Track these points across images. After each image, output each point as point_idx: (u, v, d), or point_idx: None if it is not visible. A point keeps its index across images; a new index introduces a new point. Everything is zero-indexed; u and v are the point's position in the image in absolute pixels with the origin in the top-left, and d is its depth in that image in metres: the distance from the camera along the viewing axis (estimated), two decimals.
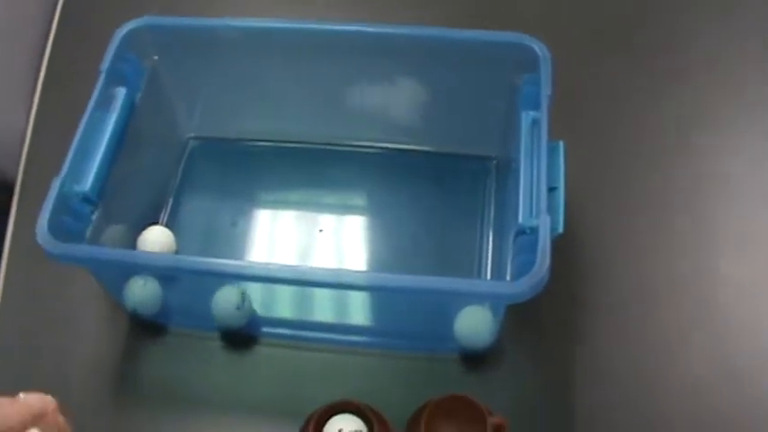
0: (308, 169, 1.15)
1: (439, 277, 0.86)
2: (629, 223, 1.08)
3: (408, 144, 1.16)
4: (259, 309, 1.01)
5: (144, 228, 1.07)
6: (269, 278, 0.91)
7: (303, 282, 0.91)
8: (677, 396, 0.95)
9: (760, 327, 0.99)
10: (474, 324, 0.95)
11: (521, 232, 0.88)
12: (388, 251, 1.09)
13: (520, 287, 0.82)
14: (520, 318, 0.99)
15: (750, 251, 1.05)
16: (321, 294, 1.02)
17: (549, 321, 1.00)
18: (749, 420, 0.93)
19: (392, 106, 1.12)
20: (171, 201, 1.13)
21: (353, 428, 0.88)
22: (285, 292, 1.01)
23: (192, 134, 1.19)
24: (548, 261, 0.83)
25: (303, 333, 1.03)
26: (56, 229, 0.89)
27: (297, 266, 1.01)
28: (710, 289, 1.02)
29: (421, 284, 0.86)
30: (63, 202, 0.92)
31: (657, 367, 0.97)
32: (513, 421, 0.92)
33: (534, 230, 0.86)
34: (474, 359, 0.98)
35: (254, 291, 0.99)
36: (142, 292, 1.00)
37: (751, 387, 0.95)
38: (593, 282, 1.03)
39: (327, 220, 1.12)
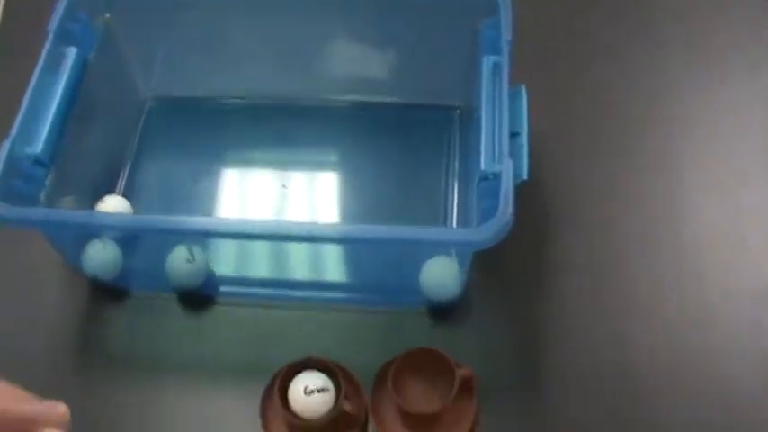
0: (270, 126, 1.12)
1: (400, 226, 0.84)
2: (600, 170, 1.06)
3: (373, 97, 1.13)
4: (220, 267, 0.98)
5: (100, 197, 1.04)
6: (230, 233, 0.88)
7: (264, 235, 0.88)
8: (649, 344, 0.94)
9: (731, 270, 0.98)
10: (440, 275, 0.93)
11: (484, 178, 0.86)
12: (354, 205, 1.07)
13: (483, 233, 0.80)
14: (488, 270, 0.98)
15: (722, 194, 1.03)
16: (284, 250, 0.99)
17: (517, 273, 0.99)
18: (721, 363, 0.92)
19: (355, 59, 1.09)
20: (129, 166, 1.10)
21: (319, 385, 0.86)
22: (246, 248, 0.99)
23: (151, 94, 1.16)
24: (511, 206, 0.81)
25: (266, 291, 1.01)
26: (7, 192, 0.87)
27: (257, 219, 0.98)
28: (682, 234, 1.01)
29: (381, 234, 0.83)
30: (14, 164, 0.89)
31: (629, 316, 0.96)
32: (482, 373, 0.90)
33: (497, 176, 0.84)
34: (442, 312, 0.96)
35: (214, 248, 0.97)
36: (101, 256, 0.98)
37: (723, 331, 0.94)
38: (563, 231, 1.01)
39: (292, 176, 1.09)
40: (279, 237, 0.87)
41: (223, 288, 1.01)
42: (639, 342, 0.93)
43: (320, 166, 1.11)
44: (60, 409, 0.41)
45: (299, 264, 1.00)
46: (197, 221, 0.90)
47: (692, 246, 0.99)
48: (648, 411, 0.89)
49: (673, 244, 1.00)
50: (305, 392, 0.86)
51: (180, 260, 0.96)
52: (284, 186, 1.07)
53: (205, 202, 1.07)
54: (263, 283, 1.02)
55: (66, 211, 0.95)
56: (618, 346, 0.93)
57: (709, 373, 0.91)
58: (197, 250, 0.96)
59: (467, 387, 0.89)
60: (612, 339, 0.94)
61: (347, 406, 0.87)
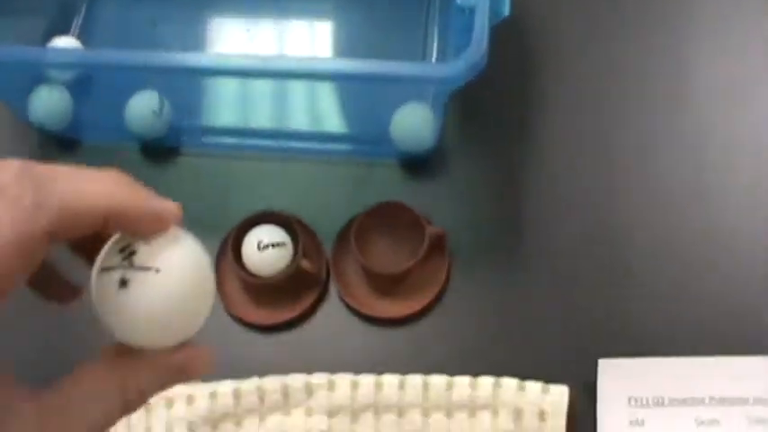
0: None
1: (365, 60, 0.75)
2: (590, 11, 0.95)
3: None
4: (181, 115, 0.90)
5: (51, 38, 0.95)
6: (193, 69, 0.79)
7: (227, 70, 0.80)
8: (635, 206, 0.85)
9: (732, 134, 0.88)
10: (412, 123, 0.84)
11: (460, 12, 0.76)
12: (329, 46, 0.97)
13: (451, 69, 0.70)
14: (465, 120, 0.89)
15: (722, 51, 0.92)
16: (247, 95, 0.91)
17: (497, 123, 0.89)
18: (715, 234, 0.83)
19: None
20: (84, 6, 1.01)
21: (275, 240, 0.79)
22: (208, 93, 0.91)
23: None
24: (485, 42, 0.71)
25: (230, 140, 0.93)
26: None
27: (220, 53, 0.89)
28: (680, 91, 0.90)
29: (344, 67, 0.75)
30: None
31: (616, 171, 0.87)
32: (456, 231, 0.83)
33: (473, 11, 0.74)
34: (414, 165, 0.88)
35: (175, 94, 0.89)
36: (49, 102, 0.89)
37: (720, 199, 0.85)
38: (547, 76, 0.92)
39: (257, 20, 0.99)
40: (262, 73, 0.79)
41: (185, 138, 0.93)
42: (631, 199, 0.85)
43: (287, 8, 1.01)
44: (175, 209, 0.37)
45: (264, 109, 0.92)
46: (165, 57, 0.81)
47: (695, 102, 0.90)
48: (637, 274, 0.82)
49: (672, 95, 0.90)
50: (258, 248, 0.79)
51: (141, 107, 0.88)
52: (248, 30, 0.97)
53: (165, 47, 0.98)
54: (227, 132, 0.94)
55: (8, 48, 0.86)
56: (607, 202, 0.85)
57: (705, 237, 0.83)
58: (161, 97, 0.88)
59: (438, 246, 0.82)
60: (601, 194, 0.85)
61: (305, 264, 0.80)
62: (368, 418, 0.77)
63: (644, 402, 0.76)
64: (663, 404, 0.76)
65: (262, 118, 0.93)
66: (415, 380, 0.77)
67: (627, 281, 0.82)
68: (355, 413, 0.77)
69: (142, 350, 0.37)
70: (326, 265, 0.83)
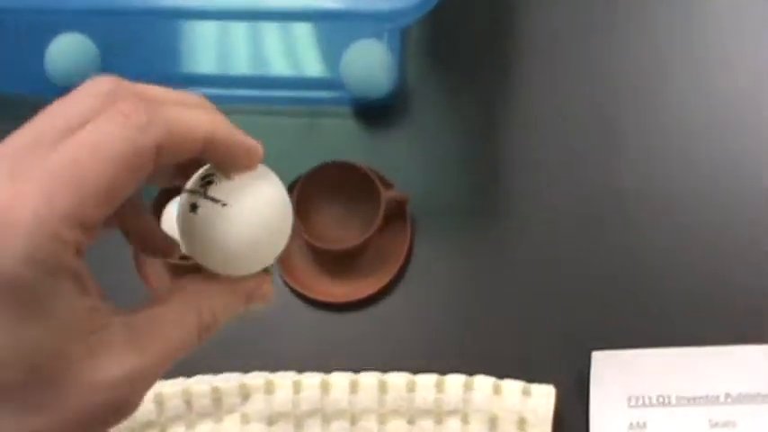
0: None
1: None
2: None
3: None
4: (114, 61, 0.76)
5: None
6: (121, 9, 0.67)
7: (160, 10, 0.67)
8: (633, 169, 0.71)
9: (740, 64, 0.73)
10: (365, 63, 0.70)
11: None
12: None
13: (401, 1, 0.56)
14: (430, 58, 0.74)
15: None
16: (184, 38, 0.77)
17: (468, 61, 0.74)
18: (698, 191, 0.69)
19: None
20: None
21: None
22: (142, 36, 0.76)
23: None
24: None
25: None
26: None
27: None
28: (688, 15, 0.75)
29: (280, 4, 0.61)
30: None
31: (612, 123, 0.72)
32: (419, 196, 0.69)
33: None
34: (369, 114, 0.73)
35: (104, 37, 0.74)
36: None
37: (707, 150, 0.71)
38: (527, 4, 0.76)
39: None
40: (177, 10, 0.67)
41: None
42: (628, 159, 0.71)
43: None
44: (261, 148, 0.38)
45: (203, 52, 0.77)
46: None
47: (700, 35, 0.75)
48: (635, 250, 0.68)
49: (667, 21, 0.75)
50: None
51: (66, 53, 0.74)
52: None
53: None
54: (167, 78, 0.78)
55: None
56: (600, 161, 0.71)
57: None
58: (86, 41, 0.74)
59: (398, 213, 0.68)
60: (594, 151, 0.71)
61: None
62: (314, 426, 0.64)
63: (646, 401, 0.64)
64: (669, 403, 0.64)
65: (200, 63, 0.79)
66: (369, 380, 0.64)
67: (623, 257, 0.68)
68: (299, 420, 0.64)
69: (216, 274, 0.39)
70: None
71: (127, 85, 0.36)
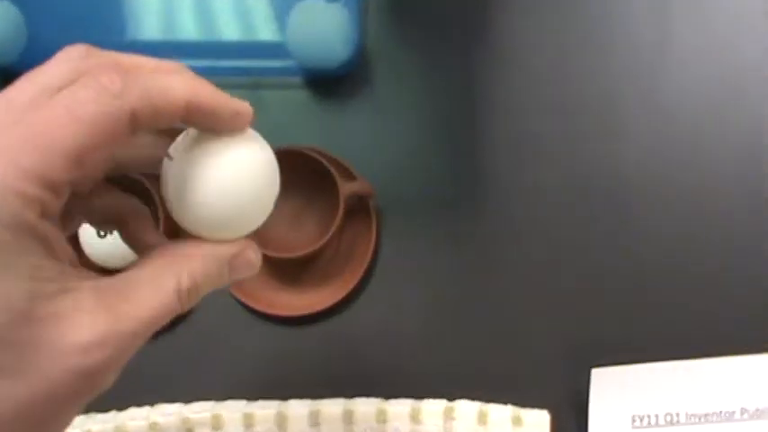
0: None
1: None
2: None
3: None
4: (44, 29, 0.63)
5: None
6: None
7: None
8: (635, 149, 0.60)
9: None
10: (315, 26, 0.58)
11: None
12: None
13: None
14: (395, 21, 0.63)
15: None
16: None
17: (440, 25, 0.62)
18: (708, 177, 0.60)
19: None
20: None
21: None
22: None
23: None
24: None
25: None
26: None
27: None
28: None
29: None
30: None
31: (610, 96, 0.62)
32: (385, 186, 0.59)
33: None
34: (325, 85, 0.62)
35: (28, 2, 0.62)
36: None
37: (717, 130, 0.61)
38: None
39: None
40: None
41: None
42: (629, 137, 0.60)
43: None
44: (241, 107, 0.37)
45: (143, 16, 0.65)
46: None
47: None
48: (638, 247, 0.58)
49: None
50: (98, 233, 0.54)
51: None
52: None
53: None
54: (105, 44, 0.66)
55: None
56: (597, 141, 0.60)
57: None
58: (10, 7, 0.63)
59: (361, 208, 0.58)
60: (588, 129, 0.60)
61: None
62: None
63: (652, 421, 0.56)
64: (677, 422, 0.56)
65: (140, 28, 0.66)
66: (333, 409, 0.55)
67: (624, 256, 0.58)
68: None
69: (199, 239, 0.38)
70: None
71: (102, 53, 0.36)
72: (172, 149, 0.37)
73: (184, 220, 0.37)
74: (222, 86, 0.64)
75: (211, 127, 0.36)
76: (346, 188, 0.56)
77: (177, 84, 0.35)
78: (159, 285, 0.35)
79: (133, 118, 0.33)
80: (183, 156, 0.36)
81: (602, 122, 0.60)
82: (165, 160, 0.37)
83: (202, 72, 0.67)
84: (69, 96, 0.33)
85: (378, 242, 0.59)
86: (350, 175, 0.58)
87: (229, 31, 0.64)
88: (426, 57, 0.62)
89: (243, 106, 0.37)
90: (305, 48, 0.60)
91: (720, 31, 0.61)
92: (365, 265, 0.58)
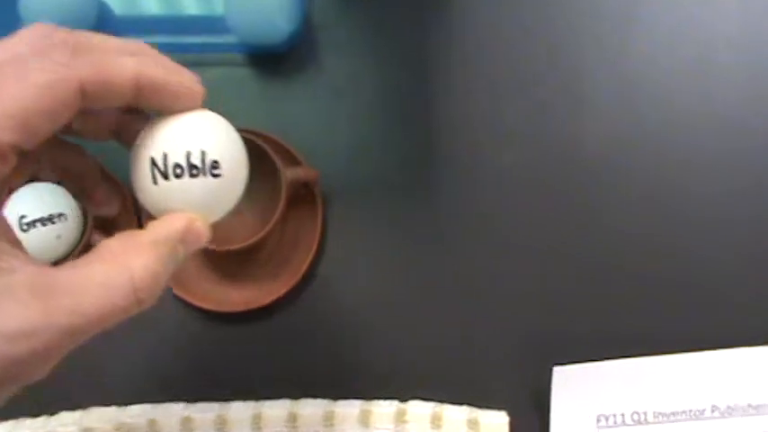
0: None
1: None
2: None
3: None
4: None
5: None
6: None
7: None
8: (581, 123, 0.57)
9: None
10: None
11: None
12: None
13: None
14: None
15: None
16: None
17: None
18: (679, 149, 0.56)
19: None
20: None
21: (47, 212, 0.51)
22: None
23: None
24: None
25: None
26: None
27: None
28: None
29: None
30: None
31: (560, 62, 0.58)
32: (332, 171, 0.55)
33: None
34: (267, 62, 0.58)
35: None
36: None
37: (686, 99, 0.57)
38: None
39: None
40: None
41: None
42: (599, 117, 0.56)
43: None
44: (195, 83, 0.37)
45: None
46: None
47: None
48: (607, 236, 0.54)
49: None
50: (21, 227, 0.50)
51: None
52: None
53: None
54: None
55: None
56: (565, 120, 0.56)
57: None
58: None
59: (306, 195, 0.54)
60: (557, 105, 0.56)
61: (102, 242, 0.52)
62: None
63: (618, 420, 0.52)
64: (645, 421, 0.52)
65: None
66: (277, 412, 0.51)
67: (589, 242, 0.54)
68: None
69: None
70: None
71: (62, 31, 0.35)
72: (139, 137, 0.37)
73: (147, 203, 0.36)
74: None
75: (163, 104, 0.36)
76: (289, 174, 0.52)
77: (128, 60, 0.35)
78: (111, 283, 0.33)
79: (81, 87, 0.33)
80: (146, 141, 0.36)
81: (565, 97, 0.56)
82: (133, 147, 0.37)
83: None
84: (18, 66, 0.33)
85: (324, 232, 0.55)
86: (294, 160, 0.54)
87: (162, 5, 0.59)
88: (377, 31, 0.57)
89: (193, 82, 0.37)
90: (245, 22, 0.55)
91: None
92: (310, 257, 0.54)
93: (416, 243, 0.55)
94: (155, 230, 0.35)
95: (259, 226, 0.52)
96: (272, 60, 0.57)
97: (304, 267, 0.53)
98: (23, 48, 0.34)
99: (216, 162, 0.35)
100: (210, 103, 0.55)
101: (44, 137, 0.33)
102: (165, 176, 0.35)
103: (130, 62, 0.35)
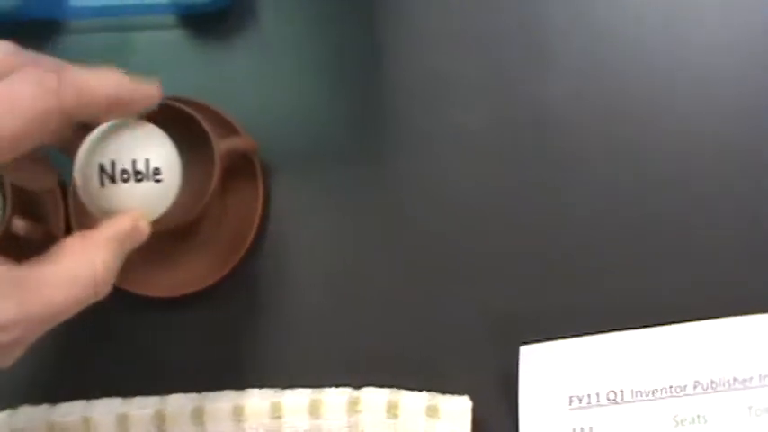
0: None
1: None
2: None
3: None
4: None
5: None
6: None
7: None
8: (545, 84, 0.52)
9: None
10: None
11: None
12: None
13: None
14: None
15: None
16: None
17: None
18: (652, 110, 0.51)
19: None
20: None
21: None
22: None
23: None
24: None
25: None
26: None
27: None
28: None
29: None
30: None
31: (523, 19, 0.53)
32: (271, 135, 0.51)
33: None
34: (201, 24, 0.53)
35: None
36: None
37: (661, 57, 0.52)
38: None
39: None
40: None
41: None
42: (555, 70, 0.51)
43: None
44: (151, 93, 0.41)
45: None
46: None
47: None
48: (573, 205, 0.50)
49: None
50: None
51: None
52: None
53: None
54: None
55: None
56: (528, 78, 0.52)
57: None
58: None
59: (245, 168, 0.50)
60: (522, 61, 0.52)
61: (20, 226, 0.47)
62: None
63: (592, 400, 0.48)
64: (621, 400, 0.48)
65: None
66: (220, 405, 0.47)
67: (556, 211, 0.50)
68: None
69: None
70: (66, 221, 0.50)
71: (26, 51, 0.38)
72: (85, 144, 0.40)
73: (92, 203, 0.40)
74: (82, 30, 0.55)
75: (125, 114, 0.40)
76: (222, 145, 0.47)
77: (102, 81, 0.38)
78: (77, 278, 0.37)
79: (65, 113, 0.36)
80: (95, 148, 0.40)
81: (531, 53, 0.52)
82: (80, 152, 0.40)
83: (56, 15, 0.58)
84: (12, 89, 0.35)
85: (266, 207, 0.50)
86: (232, 129, 0.50)
87: None
88: None
89: (154, 90, 0.40)
90: None
91: None
92: (252, 235, 0.49)
93: (369, 215, 0.50)
94: (108, 229, 0.40)
95: (195, 204, 0.48)
96: (207, 21, 0.52)
97: (246, 246, 0.49)
98: (8, 70, 0.36)
99: (158, 169, 0.40)
100: (142, 70, 0.51)
101: (24, 152, 0.36)
102: (113, 180, 0.40)
103: (106, 80, 0.38)
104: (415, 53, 0.52)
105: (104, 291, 0.38)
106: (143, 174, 0.40)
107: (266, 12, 0.53)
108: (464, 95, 0.51)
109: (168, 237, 0.48)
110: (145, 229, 0.41)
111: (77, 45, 0.54)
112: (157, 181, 0.40)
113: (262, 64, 0.52)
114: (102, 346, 0.50)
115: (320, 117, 0.51)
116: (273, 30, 0.53)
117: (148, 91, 0.40)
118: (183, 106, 0.47)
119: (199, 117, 0.47)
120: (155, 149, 0.41)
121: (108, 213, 0.40)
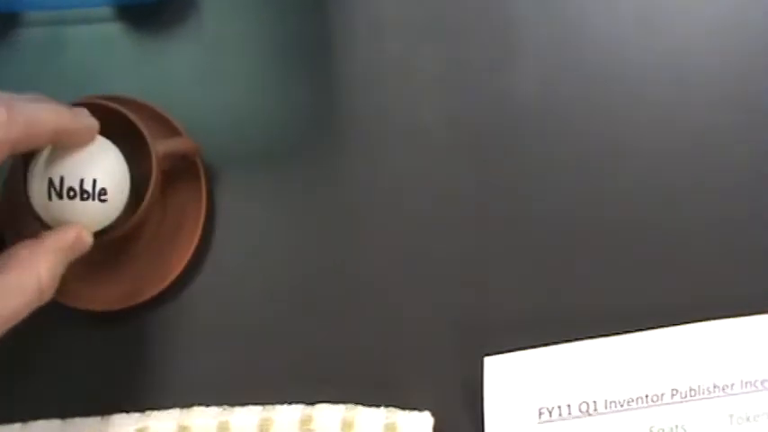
0: None
1: None
2: None
3: None
4: None
5: None
6: None
7: None
8: (513, 71, 0.49)
9: None
10: None
11: None
12: None
13: None
14: None
15: None
16: None
17: None
18: (623, 96, 0.48)
19: None
20: None
21: None
22: None
23: None
24: None
25: None
26: None
27: None
28: None
29: None
30: None
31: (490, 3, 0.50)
32: (216, 134, 0.47)
33: None
34: (139, 17, 0.49)
35: None
36: None
37: (634, 43, 0.50)
38: None
39: None
40: None
41: None
42: (524, 55, 0.48)
43: None
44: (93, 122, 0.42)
45: None
46: None
47: None
48: (541, 206, 0.47)
49: None
50: None
51: None
52: None
53: None
54: None
55: None
56: (487, 59, 0.49)
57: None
58: None
59: (187, 171, 0.46)
60: (476, 48, 0.49)
61: None
62: None
63: (563, 413, 0.45)
64: (594, 412, 0.45)
65: None
66: (164, 424, 0.44)
67: (521, 207, 0.47)
68: None
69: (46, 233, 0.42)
70: None
71: (5, 98, 0.38)
72: (39, 157, 0.42)
73: (40, 212, 0.42)
74: (13, 24, 0.52)
75: (71, 145, 0.41)
76: (161, 147, 0.44)
77: (48, 114, 0.39)
78: (24, 287, 0.38)
79: (10, 144, 0.37)
80: (47, 162, 0.41)
81: (493, 44, 0.49)
82: (32, 164, 0.42)
83: None
84: None
85: (210, 211, 0.47)
86: (172, 129, 0.46)
87: None
88: None
89: (93, 122, 0.41)
90: None
91: None
92: (195, 242, 0.46)
93: (321, 219, 0.47)
94: (53, 239, 0.41)
95: (134, 210, 0.45)
96: (146, 13, 0.49)
97: (188, 255, 0.46)
98: None
99: (104, 189, 0.41)
100: (76, 67, 0.47)
101: None
102: (60, 196, 0.41)
103: (51, 113, 0.39)
104: (369, 45, 0.49)
105: (48, 297, 0.40)
106: (89, 193, 0.41)
107: (208, 2, 0.49)
108: (422, 91, 0.48)
109: (107, 246, 0.45)
110: (88, 240, 0.42)
111: (5, 42, 0.51)
112: (102, 201, 0.41)
113: (204, 58, 0.49)
114: (37, 365, 0.47)
115: (267, 115, 0.48)
116: (216, 22, 0.49)
117: (90, 122, 0.41)
118: (117, 106, 0.44)
119: (135, 118, 0.43)
120: (104, 168, 0.41)
121: (54, 223, 0.42)
